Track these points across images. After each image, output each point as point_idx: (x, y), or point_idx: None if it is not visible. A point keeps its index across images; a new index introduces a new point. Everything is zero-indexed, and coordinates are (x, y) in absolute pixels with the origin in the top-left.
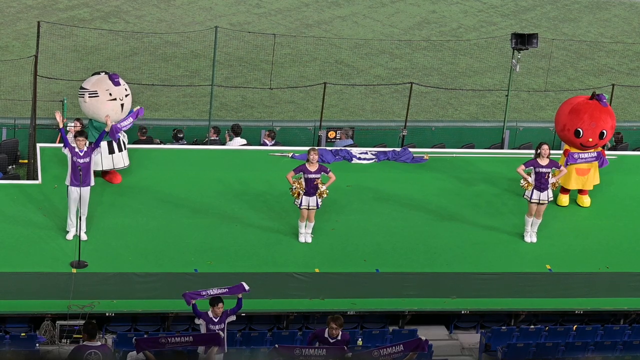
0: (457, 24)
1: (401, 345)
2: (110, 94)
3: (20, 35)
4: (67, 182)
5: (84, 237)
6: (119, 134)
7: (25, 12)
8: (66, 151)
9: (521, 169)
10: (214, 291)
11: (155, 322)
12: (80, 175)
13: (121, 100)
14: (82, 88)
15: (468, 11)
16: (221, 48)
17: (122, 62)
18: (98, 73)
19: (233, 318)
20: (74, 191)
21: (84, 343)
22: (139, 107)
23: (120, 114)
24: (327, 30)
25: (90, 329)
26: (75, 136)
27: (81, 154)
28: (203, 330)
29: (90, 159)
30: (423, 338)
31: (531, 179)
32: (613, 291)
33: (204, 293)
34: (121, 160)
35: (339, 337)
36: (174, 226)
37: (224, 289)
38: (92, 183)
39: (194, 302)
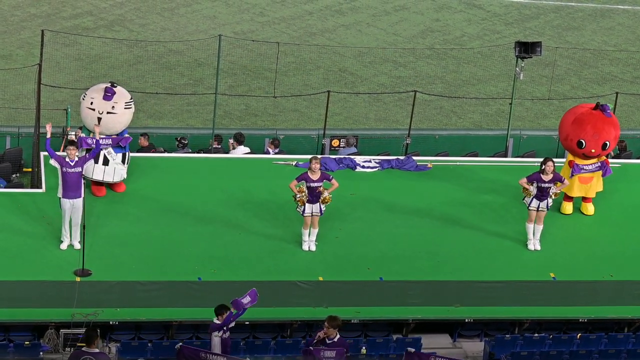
0: (460, 32)
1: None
2: (92, 103)
3: (25, 43)
4: (60, 194)
5: (77, 245)
6: (101, 148)
7: (30, 21)
8: (54, 162)
9: (523, 181)
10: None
11: (158, 330)
12: (81, 182)
13: (100, 113)
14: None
15: (471, 19)
16: (225, 56)
17: (126, 71)
18: (108, 83)
19: (233, 324)
20: (66, 202)
21: (82, 349)
22: (128, 136)
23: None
24: (331, 38)
25: (88, 336)
26: (66, 145)
27: (72, 164)
28: (217, 343)
29: (82, 169)
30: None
31: (532, 189)
32: (617, 299)
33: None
34: (101, 174)
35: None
36: (178, 234)
37: (247, 297)
38: (82, 194)
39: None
